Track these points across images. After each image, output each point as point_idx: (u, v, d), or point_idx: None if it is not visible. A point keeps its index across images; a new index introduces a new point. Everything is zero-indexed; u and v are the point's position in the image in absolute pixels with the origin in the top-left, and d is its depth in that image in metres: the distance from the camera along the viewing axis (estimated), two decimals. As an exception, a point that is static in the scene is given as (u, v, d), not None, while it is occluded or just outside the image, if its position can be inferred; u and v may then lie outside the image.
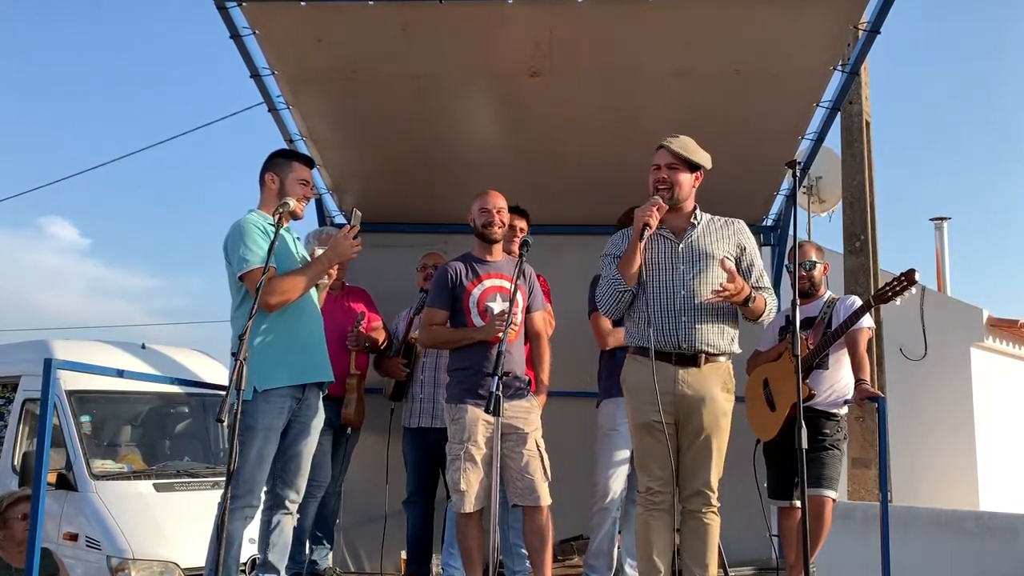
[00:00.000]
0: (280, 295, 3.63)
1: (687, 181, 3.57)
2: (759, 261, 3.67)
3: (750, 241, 3.66)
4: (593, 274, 4.59)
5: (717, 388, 3.52)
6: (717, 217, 3.65)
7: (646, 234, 3.44)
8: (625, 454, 4.35)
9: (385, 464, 4.82)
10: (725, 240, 3.58)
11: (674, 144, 3.56)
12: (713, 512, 3.50)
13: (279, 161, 3.90)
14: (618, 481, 4.36)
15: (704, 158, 3.60)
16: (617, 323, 4.41)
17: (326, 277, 3.92)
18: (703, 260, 3.53)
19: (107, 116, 40.53)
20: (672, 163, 3.55)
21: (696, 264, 3.53)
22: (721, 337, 3.53)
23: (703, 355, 3.50)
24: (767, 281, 3.67)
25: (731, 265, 3.45)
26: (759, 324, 3.63)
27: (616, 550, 4.50)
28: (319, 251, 3.96)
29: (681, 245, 3.56)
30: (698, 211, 3.63)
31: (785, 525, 4.48)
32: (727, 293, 3.39)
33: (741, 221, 3.69)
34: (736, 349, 3.62)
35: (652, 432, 3.48)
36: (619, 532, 4.53)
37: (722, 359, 3.56)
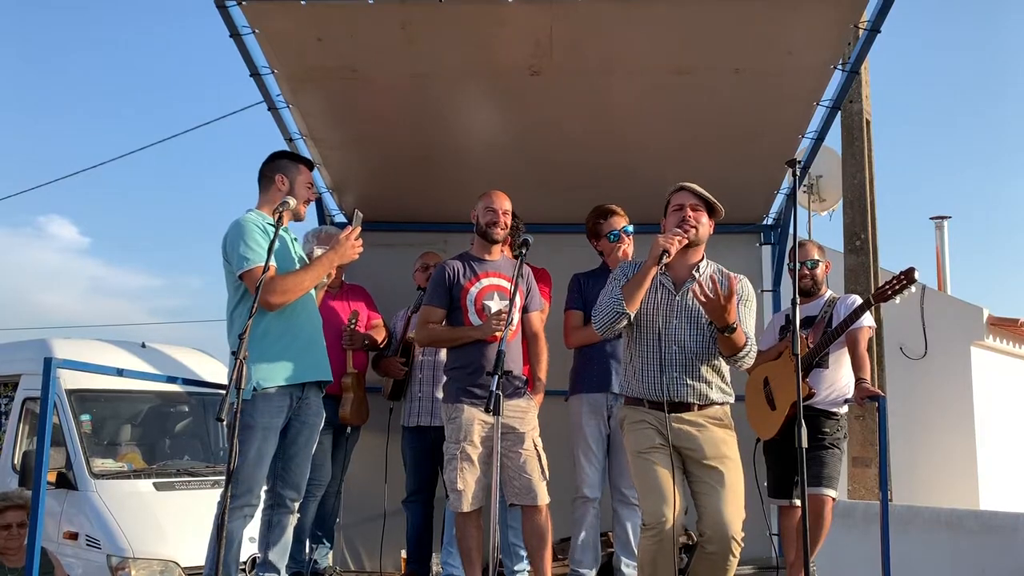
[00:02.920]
0: (281, 295, 3.63)
1: (706, 224, 3.57)
2: (750, 320, 3.58)
3: (747, 307, 3.57)
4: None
5: (711, 424, 3.50)
6: (719, 269, 3.59)
7: (663, 260, 3.42)
8: (596, 448, 4.34)
9: (384, 463, 4.82)
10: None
11: (695, 186, 3.56)
12: (735, 557, 3.39)
13: (286, 163, 3.91)
14: (594, 473, 4.35)
15: (719, 206, 3.58)
16: (587, 322, 4.43)
17: (325, 277, 3.92)
18: (696, 319, 3.51)
19: (107, 115, 40.51)
20: (696, 204, 3.55)
21: (691, 320, 3.51)
22: (710, 391, 3.51)
23: (695, 405, 3.50)
24: (751, 334, 3.57)
25: (718, 288, 3.33)
26: (734, 363, 3.52)
27: (599, 546, 4.48)
28: (319, 250, 3.96)
29: (678, 298, 3.54)
30: (703, 262, 3.60)
31: (785, 524, 4.48)
32: (704, 299, 3.31)
33: (744, 278, 3.61)
34: (729, 399, 3.59)
35: (656, 456, 3.43)
36: (611, 531, 4.53)
37: (715, 407, 3.54)
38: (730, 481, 3.44)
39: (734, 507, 3.41)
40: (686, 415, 3.48)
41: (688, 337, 3.51)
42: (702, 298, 3.34)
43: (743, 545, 3.41)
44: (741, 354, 3.46)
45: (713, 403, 3.52)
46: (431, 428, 4.60)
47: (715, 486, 3.42)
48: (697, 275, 3.54)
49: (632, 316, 3.49)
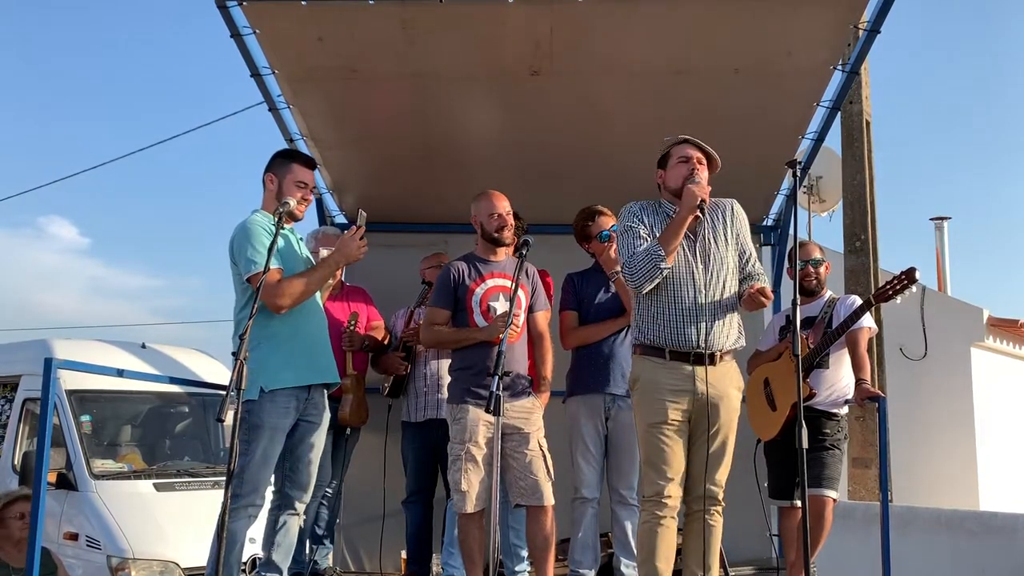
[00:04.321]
0: (288, 297, 3.63)
1: (706, 177, 3.62)
2: (750, 245, 3.71)
3: (744, 229, 3.70)
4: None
5: (732, 387, 3.56)
6: (714, 203, 3.65)
7: (703, 208, 3.48)
8: (594, 449, 4.35)
9: (390, 462, 4.81)
10: (731, 238, 3.62)
11: (696, 139, 3.62)
12: (719, 513, 3.52)
13: (279, 162, 3.90)
14: (591, 473, 4.35)
15: (717, 160, 3.64)
16: (582, 323, 4.45)
17: (331, 278, 3.92)
18: (717, 260, 3.57)
19: (107, 115, 40.57)
20: (701, 157, 3.61)
21: (711, 264, 3.56)
22: (732, 334, 3.58)
23: (718, 354, 3.53)
24: (760, 266, 3.70)
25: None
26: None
27: (599, 546, 4.48)
28: (323, 251, 3.96)
29: (697, 244, 3.58)
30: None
31: (786, 525, 4.48)
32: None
33: (734, 202, 3.72)
34: (742, 343, 3.65)
35: (667, 431, 3.47)
36: (610, 532, 4.53)
37: (730, 356, 3.59)
38: (727, 448, 3.55)
39: (723, 468, 3.53)
40: (710, 372, 3.49)
41: (715, 282, 3.54)
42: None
43: (724, 504, 3.53)
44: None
45: (731, 350, 3.58)
46: (435, 423, 4.58)
47: (717, 455, 3.52)
48: (700, 215, 3.60)
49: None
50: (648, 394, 3.54)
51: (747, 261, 3.65)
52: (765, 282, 3.62)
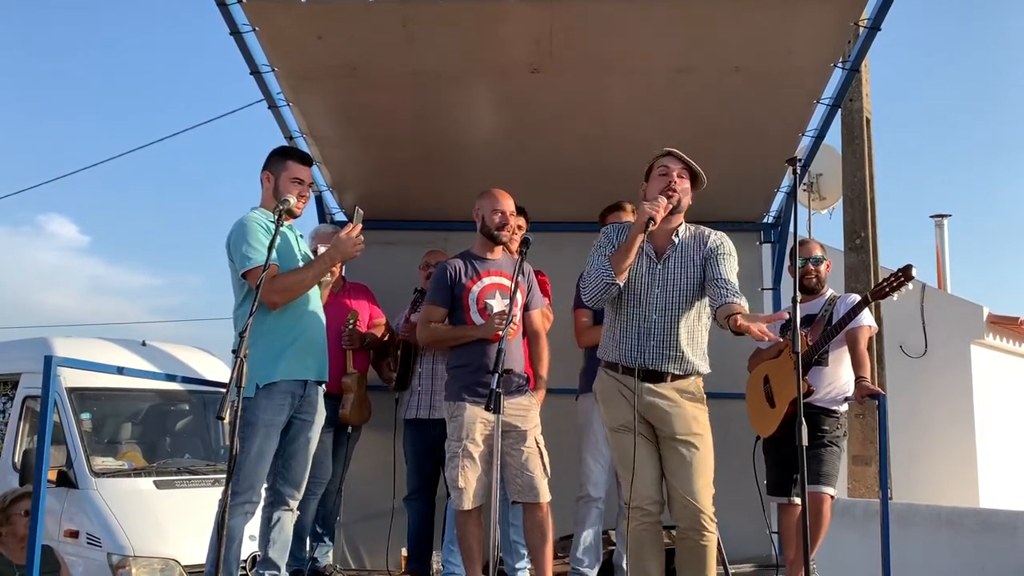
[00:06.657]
0: (283, 293, 3.64)
1: (688, 192, 3.59)
2: (724, 266, 3.50)
3: (723, 259, 3.52)
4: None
5: (683, 398, 3.51)
6: (696, 230, 3.61)
7: (650, 227, 3.42)
8: (604, 448, 4.33)
9: (392, 459, 4.82)
10: (697, 265, 3.53)
11: (681, 152, 3.58)
12: (708, 531, 3.41)
13: (275, 159, 3.91)
14: (600, 472, 4.35)
15: (702, 176, 3.60)
16: (596, 322, 4.44)
17: (329, 275, 3.92)
18: (678, 286, 3.53)
19: (107, 113, 40.51)
20: (682, 170, 3.57)
21: (670, 289, 3.53)
22: (687, 361, 3.52)
23: (669, 375, 3.51)
24: (734, 282, 3.50)
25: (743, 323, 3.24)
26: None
27: (601, 545, 4.49)
28: (321, 248, 3.96)
29: (659, 266, 3.56)
30: (681, 227, 3.62)
31: (784, 522, 4.49)
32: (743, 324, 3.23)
33: (721, 236, 3.60)
34: (705, 370, 3.58)
35: (624, 434, 3.48)
36: (612, 529, 4.53)
37: (690, 378, 3.55)
38: (699, 459, 3.45)
39: (703, 483, 3.44)
40: (659, 387, 3.49)
41: (668, 307, 3.52)
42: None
43: (715, 520, 3.44)
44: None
45: (688, 374, 3.52)
46: (431, 422, 4.59)
47: (684, 465, 3.44)
48: (676, 240, 3.57)
49: (622, 285, 3.50)
50: (605, 402, 3.60)
51: (717, 286, 3.44)
52: (739, 300, 3.38)
